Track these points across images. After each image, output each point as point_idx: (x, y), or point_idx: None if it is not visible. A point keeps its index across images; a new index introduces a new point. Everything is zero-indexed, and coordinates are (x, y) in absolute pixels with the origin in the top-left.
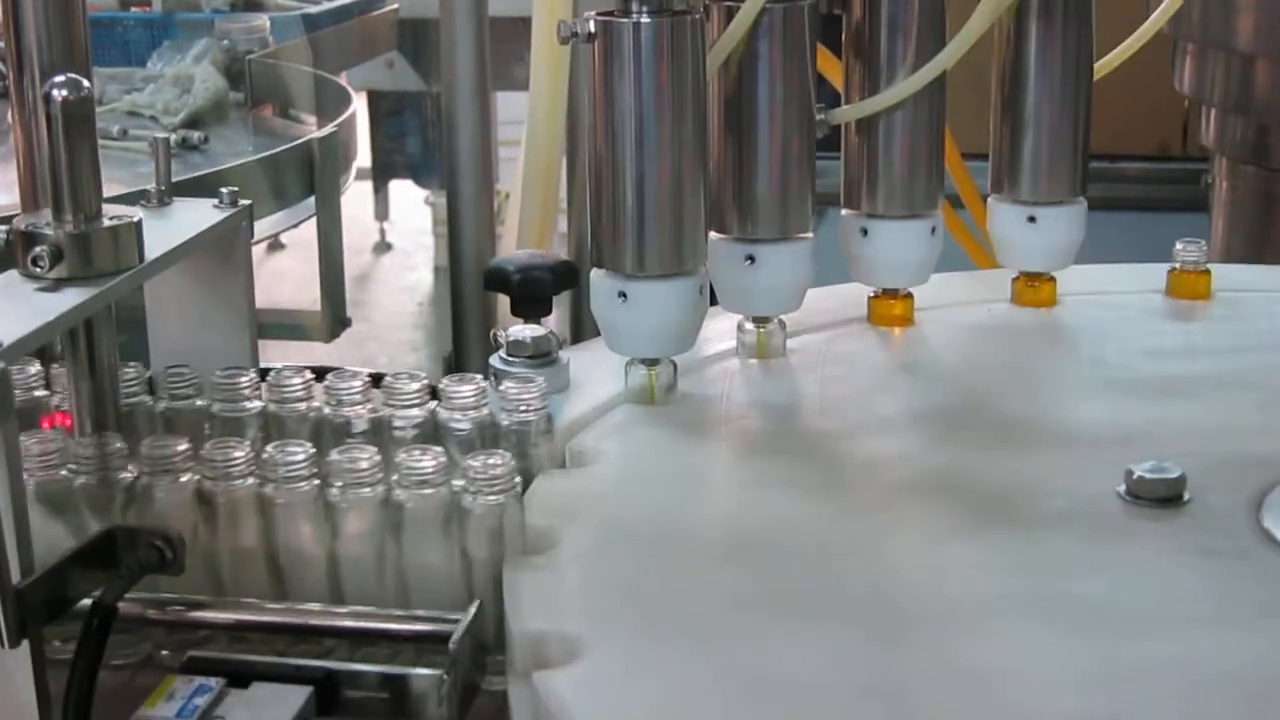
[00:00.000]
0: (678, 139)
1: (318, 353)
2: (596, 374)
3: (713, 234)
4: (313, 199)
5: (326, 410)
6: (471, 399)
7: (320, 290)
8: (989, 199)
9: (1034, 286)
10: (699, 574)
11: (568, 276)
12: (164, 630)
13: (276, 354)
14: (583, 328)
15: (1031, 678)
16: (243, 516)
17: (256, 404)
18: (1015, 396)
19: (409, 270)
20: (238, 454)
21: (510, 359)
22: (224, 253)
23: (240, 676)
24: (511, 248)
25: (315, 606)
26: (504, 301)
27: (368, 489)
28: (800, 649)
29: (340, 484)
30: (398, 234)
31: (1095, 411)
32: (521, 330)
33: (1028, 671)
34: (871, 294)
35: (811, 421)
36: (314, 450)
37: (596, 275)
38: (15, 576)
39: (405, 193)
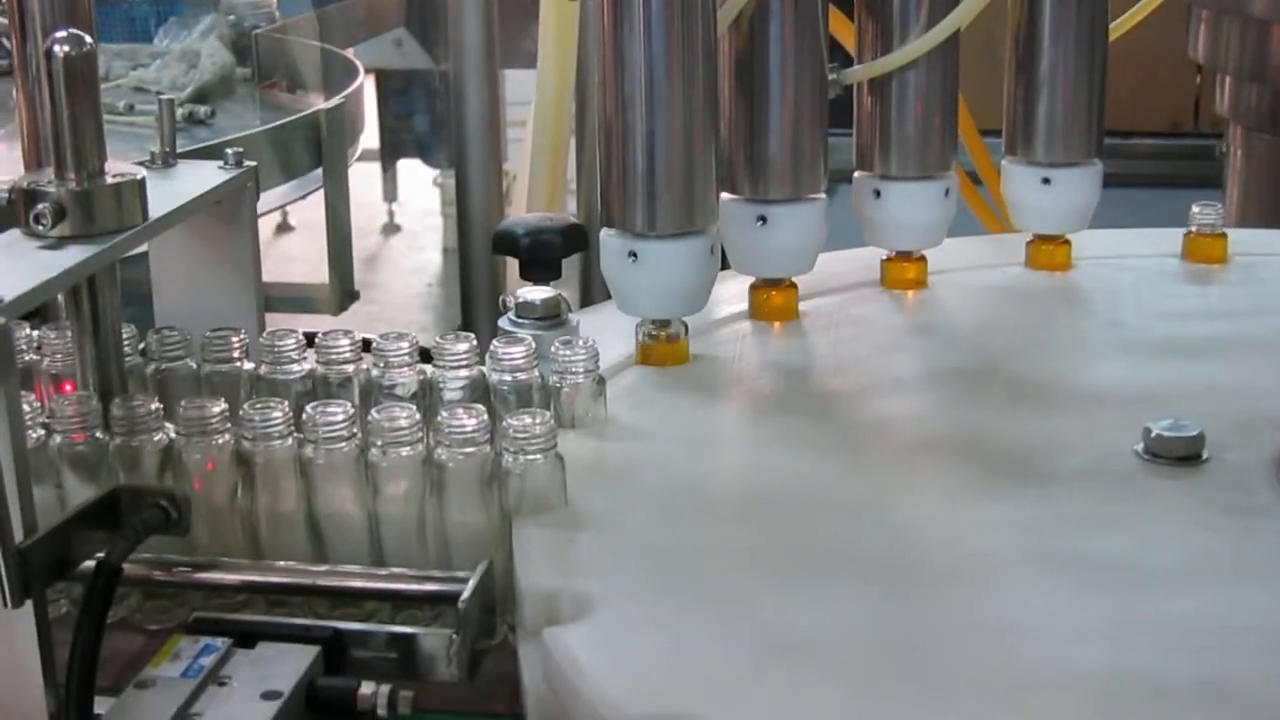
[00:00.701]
0: (688, 96)
1: (325, 326)
2: (607, 337)
3: (724, 195)
4: (320, 171)
5: (374, 373)
6: (521, 360)
7: (328, 261)
8: (1003, 161)
9: (1048, 249)
10: (712, 532)
11: (577, 239)
12: (202, 595)
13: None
14: (592, 293)
15: (1050, 633)
16: (281, 478)
17: (303, 366)
18: (1030, 357)
19: (418, 251)
20: (276, 414)
21: (519, 321)
22: (229, 215)
23: (247, 636)
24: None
25: (322, 567)
26: (513, 272)
27: (408, 448)
28: (815, 605)
29: (380, 443)
30: (406, 215)
31: (1112, 372)
32: (531, 292)
33: (1046, 627)
34: (884, 257)
35: (825, 382)
36: (354, 410)
37: (606, 235)
38: (18, 536)
39: (413, 175)
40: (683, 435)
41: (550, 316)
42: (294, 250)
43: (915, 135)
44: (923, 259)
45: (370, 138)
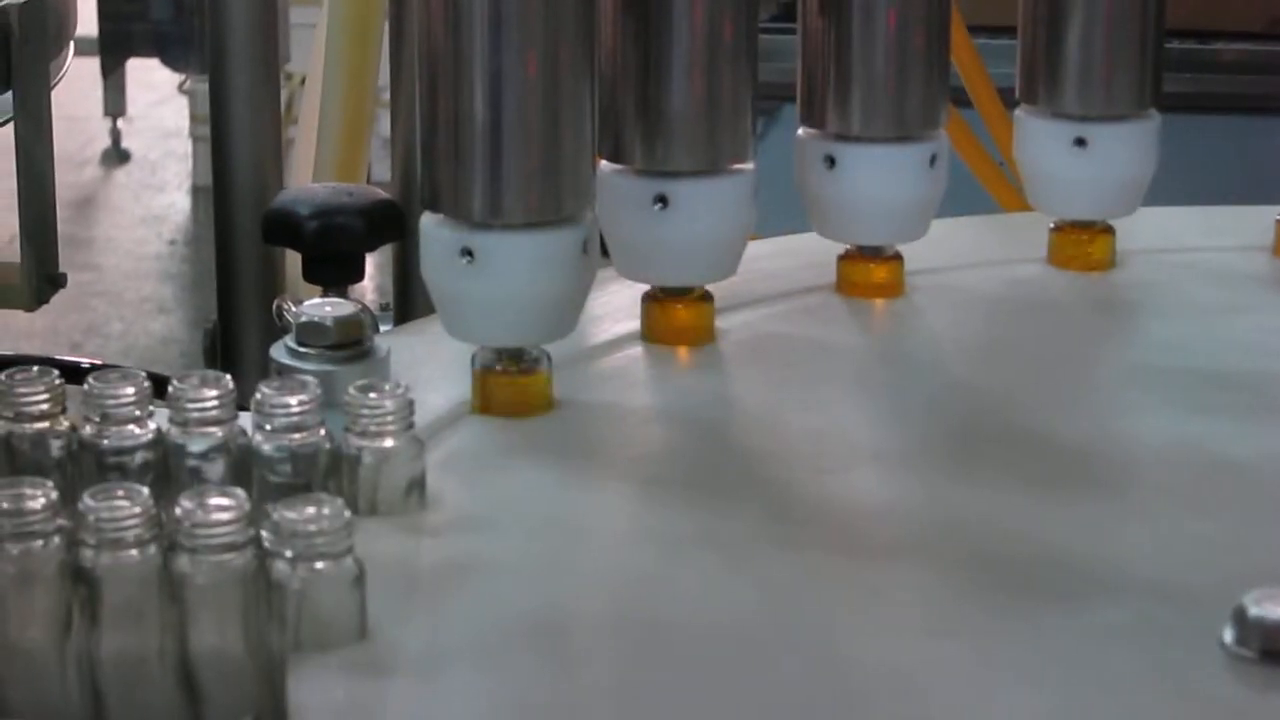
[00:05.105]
0: (550, 18)
1: (17, 327)
2: (431, 371)
3: (604, 164)
4: (8, 96)
5: (173, 433)
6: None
7: (20, 232)
8: (1016, 111)
9: (1079, 239)
10: (576, 685)
11: (388, 223)
12: None
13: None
14: (414, 297)
15: None
16: (141, 605)
17: (147, 429)
18: (1050, 411)
19: (154, 191)
20: (133, 508)
21: (302, 349)
22: None
23: None
24: (306, 162)
25: None
26: (295, 255)
27: (230, 553)
28: None
29: (191, 546)
30: (138, 136)
31: (1173, 437)
32: (319, 306)
33: None
34: (841, 252)
35: (750, 444)
36: (246, 504)
37: (429, 224)
38: None
39: (149, 76)
40: (537, 528)
41: (348, 343)
42: None
43: (888, 75)
44: (897, 256)
45: (86, 24)
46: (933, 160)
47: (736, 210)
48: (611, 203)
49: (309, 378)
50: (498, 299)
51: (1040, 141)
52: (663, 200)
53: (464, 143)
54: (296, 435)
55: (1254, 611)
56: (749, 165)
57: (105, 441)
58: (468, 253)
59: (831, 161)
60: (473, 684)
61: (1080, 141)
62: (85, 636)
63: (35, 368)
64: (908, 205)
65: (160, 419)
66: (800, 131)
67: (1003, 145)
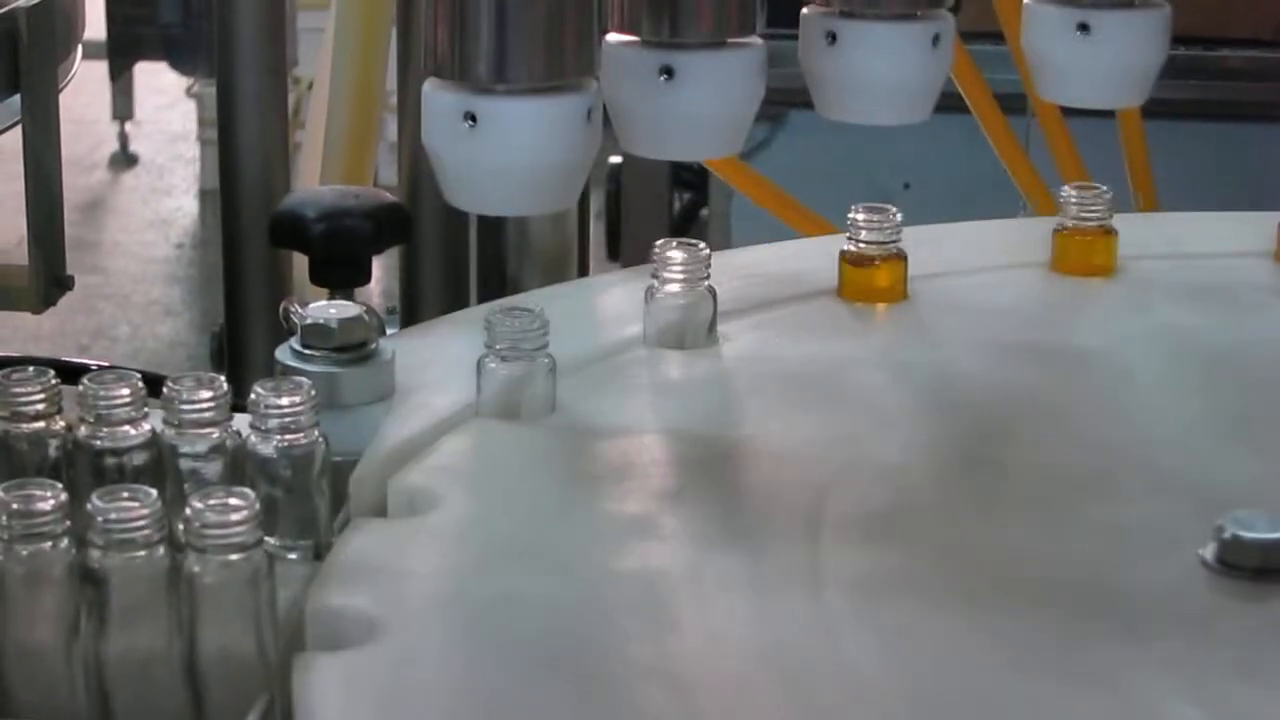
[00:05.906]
0: None
1: (25, 329)
2: (436, 373)
3: (611, 36)
4: (16, 100)
5: (168, 434)
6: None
7: (28, 234)
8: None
9: (1083, 242)
10: (572, 696)
11: (395, 226)
12: None
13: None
14: (420, 300)
15: None
16: (149, 606)
17: (143, 429)
18: (1045, 428)
19: (162, 195)
20: (142, 510)
21: (307, 350)
22: None
23: None
24: (313, 165)
25: None
26: (302, 258)
27: (239, 553)
28: None
29: (200, 546)
30: (146, 140)
31: (1179, 458)
32: (324, 309)
33: None
34: (842, 249)
35: (752, 458)
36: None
37: (431, 89)
38: None
39: (157, 80)
40: (536, 532)
41: (352, 346)
42: None
43: None
44: (900, 257)
45: (94, 27)
46: (936, 39)
47: (743, 83)
48: (617, 73)
49: (304, 379)
50: (500, 165)
51: (1045, 28)
52: (668, 71)
53: (469, 4)
54: (289, 436)
55: (1232, 531)
56: (757, 40)
57: (99, 442)
58: (470, 117)
59: (833, 37)
60: None
61: (1084, 26)
62: (93, 637)
63: (31, 368)
64: (910, 82)
65: (156, 420)
66: (805, 10)
67: (1000, 147)
